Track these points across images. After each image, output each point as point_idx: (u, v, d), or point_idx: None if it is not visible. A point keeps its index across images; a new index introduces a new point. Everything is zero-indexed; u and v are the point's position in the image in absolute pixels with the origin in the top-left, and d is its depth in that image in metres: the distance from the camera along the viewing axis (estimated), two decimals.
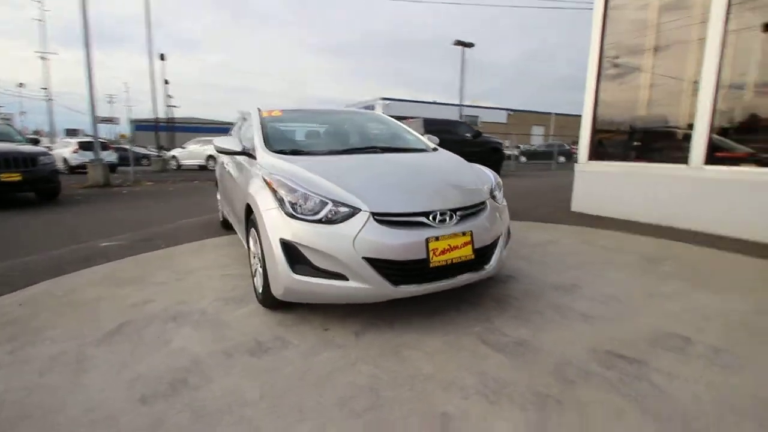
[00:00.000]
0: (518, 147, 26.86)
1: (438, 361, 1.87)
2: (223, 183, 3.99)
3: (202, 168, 17.89)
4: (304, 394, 1.64)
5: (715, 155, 4.25)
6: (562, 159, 22.31)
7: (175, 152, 18.68)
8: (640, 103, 5.16)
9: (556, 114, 45.46)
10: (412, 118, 13.82)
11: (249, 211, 2.58)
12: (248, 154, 2.85)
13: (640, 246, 3.79)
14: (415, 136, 3.42)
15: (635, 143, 5.26)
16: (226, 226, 4.61)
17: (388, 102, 38.31)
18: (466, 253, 2.15)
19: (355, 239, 1.96)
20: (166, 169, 16.17)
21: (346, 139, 3.24)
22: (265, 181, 2.30)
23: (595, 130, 5.45)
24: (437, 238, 2.06)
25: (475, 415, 1.50)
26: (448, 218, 2.14)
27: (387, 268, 1.99)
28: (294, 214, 2.07)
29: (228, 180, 3.54)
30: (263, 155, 2.65)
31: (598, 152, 5.43)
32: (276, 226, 2.10)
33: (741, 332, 2.11)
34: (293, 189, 2.14)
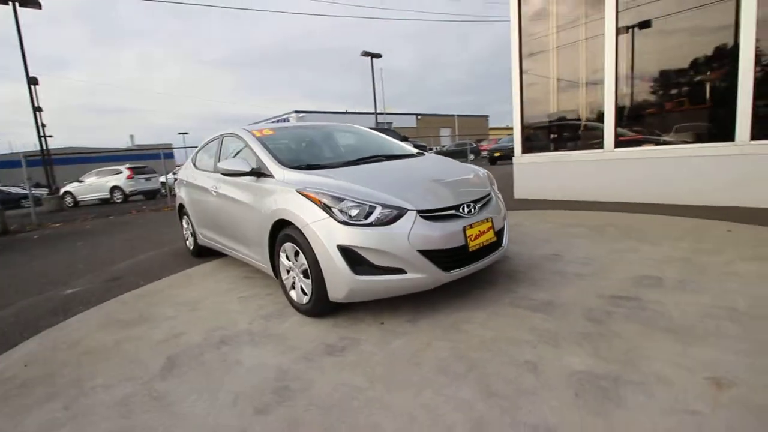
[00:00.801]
0: (432, 149, 28.65)
1: (494, 327, 2.22)
2: (206, 208, 3.86)
3: (105, 202, 16.01)
4: (405, 372, 1.86)
5: (620, 140, 5.33)
6: (472, 156, 24.44)
7: (69, 188, 16.38)
8: (558, 103, 6.16)
9: (459, 116, 49.54)
10: None
11: (277, 228, 2.66)
12: (258, 173, 2.91)
13: (583, 219, 4.60)
14: (399, 144, 3.75)
15: (558, 136, 6.25)
16: (203, 254, 4.43)
17: (302, 114, 38.04)
18: (491, 236, 2.55)
19: (409, 235, 2.22)
20: (63, 208, 14.07)
21: (348, 151, 3.44)
22: (302, 195, 2.43)
23: (524, 128, 6.36)
24: (471, 226, 2.42)
25: (549, 357, 1.87)
26: (473, 209, 2.52)
27: (437, 257, 2.28)
28: (346, 221, 2.25)
29: (222, 204, 3.47)
30: (282, 172, 2.75)
31: (529, 146, 6.33)
32: (330, 234, 2.26)
33: (690, 268, 2.82)
34: (339, 198, 2.32)
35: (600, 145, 5.42)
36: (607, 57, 5.24)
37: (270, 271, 2.91)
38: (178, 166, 19.26)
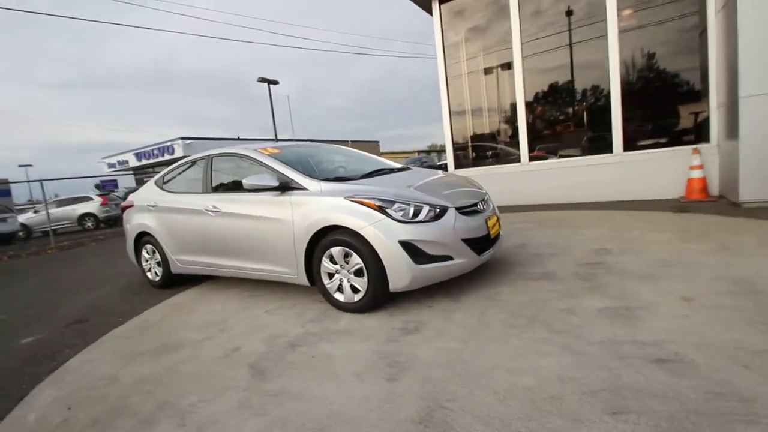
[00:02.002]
0: None
1: (522, 293, 2.80)
2: (192, 231, 3.71)
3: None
4: (483, 332, 2.30)
5: (531, 155, 6.65)
6: None
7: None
8: (481, 127, 7.36)
9: (352, 141, 51.69)
10: None
11: (318, 236, 2.86)
12: (285, 187, 3.06)
13: (521, 218, 5.63)
14: (385, 160, 4.21)
15: (483, 154, 7.42)
16: (172, 284, 4.16)
17: (188, 141, 35.12)
18: (498, 227, 3.18)
19: (454, 228, 2.70)
20: None
21: (355, 166, 3.74)
22: (354, 201, 2.72)
23: (455, 148, 7.39)
24: (489, 218, 3.01)
25: (576, 304, 2.51)
26: (485, 206, 3.12)
27: (473, 244, 2.80)
28: (402, 219, 2.62)
29: (227, 222, 3.41)
30: (317, 185, 2.97)
31: (460, 163, 7.37)
32: (390, 232, 2.59)
33: (622, 240, 3.84)
34: (391, 201, 2.68)
35: (518, 160, 6.68)
36: (518, 93, 6.57)
37: (303, 280, 3.05)
38: (23, 204, 17.82)
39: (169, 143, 34.10)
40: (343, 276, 2.84)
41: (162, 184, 4.23)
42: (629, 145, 5.80)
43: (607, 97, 5.88)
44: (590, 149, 6.22)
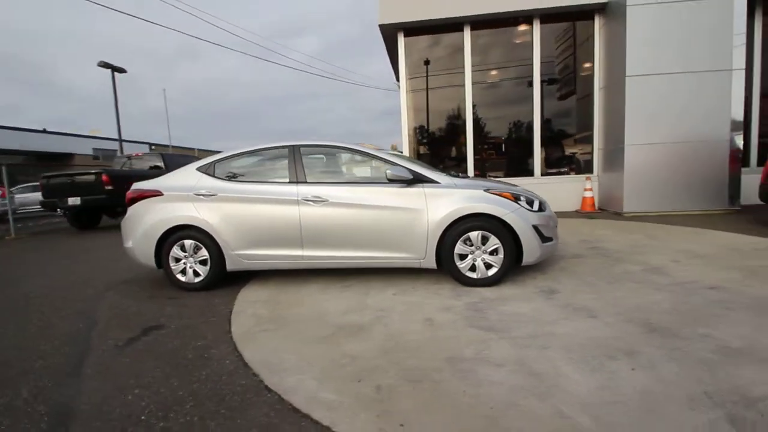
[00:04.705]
0: None
1: (582, 265, 3.91)
2: (270, 223, 3.55)
3: None
4: (604, 287, 3.27)
5: (476, 173, 8.17)
6: None
7: None
8: (437, 153, 8.52)
9: (199, 149, 46.83)
10: (138, 153, 12.22)
11: (453, 223, 3.35)
12: (415, 180, 3.43)
13: None
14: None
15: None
16: (213, 285, 3.78)
17: None
18: None
19: (551, 216, 3.63)
20: None
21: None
22: (493, 193, 3.36)
23: None
24: None
25: (622, 266, 3.75)
26: None
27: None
28: (530, 209, 3.41)
29: (332, 212, 3.44)
30: (449, 179, 3.48)
31: None
32: (525, 218, 3.34)
33: (586, 235, 5.45)
34: (519, 194, 3.43)
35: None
36: (468, 127, 8.05)
37: (431, 264, 3.45)
38: None
39: None
40: (477, 256, 3.40)
41: (213, 172, 3.78)
42: (545, 171, 7.92)
43: (530, 139, 7.92)
44: (517, 172, 8.13)
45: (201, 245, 3.69)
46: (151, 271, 4.50)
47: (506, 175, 8.10)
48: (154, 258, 3.77)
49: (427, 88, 8.38)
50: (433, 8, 7.34)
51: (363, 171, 3.91)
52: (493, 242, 3.36)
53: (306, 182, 3.62)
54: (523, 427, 1.64)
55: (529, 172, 8.01)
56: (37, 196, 11.34)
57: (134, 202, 3.85)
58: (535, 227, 3.39)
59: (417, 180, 3.46)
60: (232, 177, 3.76)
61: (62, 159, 28.69)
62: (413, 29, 7.83)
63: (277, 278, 4.02)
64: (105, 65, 21.37)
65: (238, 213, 3.63)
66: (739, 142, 6.40)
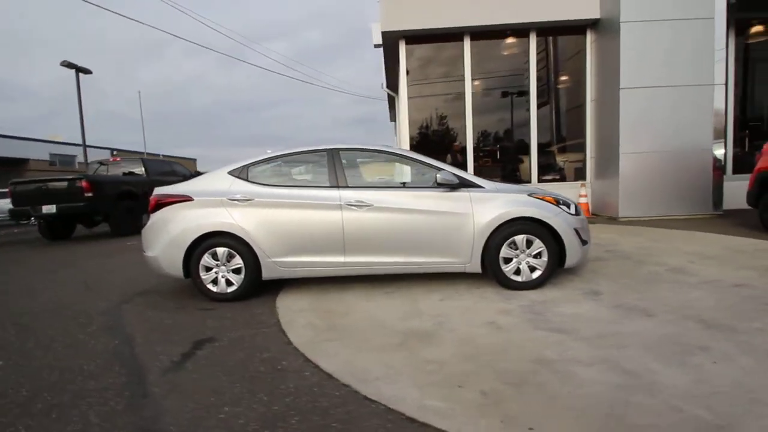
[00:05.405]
0: None
1: (611, 267, 4.06)
2: (312, 229, 3.46)
3: None
4: (643, 287, 3.41)
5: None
6: None
7: None
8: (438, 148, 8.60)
9: (164, 155, 44.97)
10: (113, 158, 11.61)
11: (499, 227, 3.39)
12: (460, 185, 3.45)
13: None
14: None
15: None
16: (248, 295, 3.62)
17: None
18: None
19: (585, 220, 3.75)
20: None
21: None
22: (537, 198, 3.44)
23: None
24: None
25: (646, 267, 3.93)
26: None
27: None
28: (570, 212, 3.51)
29: (377, 217, 3.40)
30: (492, 184, 3.53)
31: None
32: (567, 221, 3.43)
33: (614, 236, 5.66)
34: (560, 199, 3.53)
35: None
36: (468, 134, 8.22)
37: (476, 268, 3.47)
38: None
39: None
40: (522, 259, 3.45)
41: (247, 176, 3.63)
42: (540, 177, 8.21)
43: (527, 147, 8.19)
44: (514, 179, 8.36)
45: (235, 253, 3.52)
46: (163, 281, 4.27)
47: (503, 182, 8.32)
48: (183, 267, 3.55)
49: (425, 95, 8.50)
50: (436, 18, 7.49)
51: (403, 175, 3.89)
52: (538, 246, 3.43)
53: (348, 186, 3.55)
54: (648, 422, 1.67)
55: (526, 179, 8.27)
56: (4, 203, 10.39)
57: (159, 208, 3.62)
58: (576, 230, 3.49)
59: (461, 185, 3.48)
60: (265, 182, 3.63)
61: (16, 164, 26.60)
62: (415, 37, 7.93)
63: (310, 286, 3.90)
64: (69, 65, 20.14)
65: (276, 219, 3.50)
66: (721, 151, 6.93)
